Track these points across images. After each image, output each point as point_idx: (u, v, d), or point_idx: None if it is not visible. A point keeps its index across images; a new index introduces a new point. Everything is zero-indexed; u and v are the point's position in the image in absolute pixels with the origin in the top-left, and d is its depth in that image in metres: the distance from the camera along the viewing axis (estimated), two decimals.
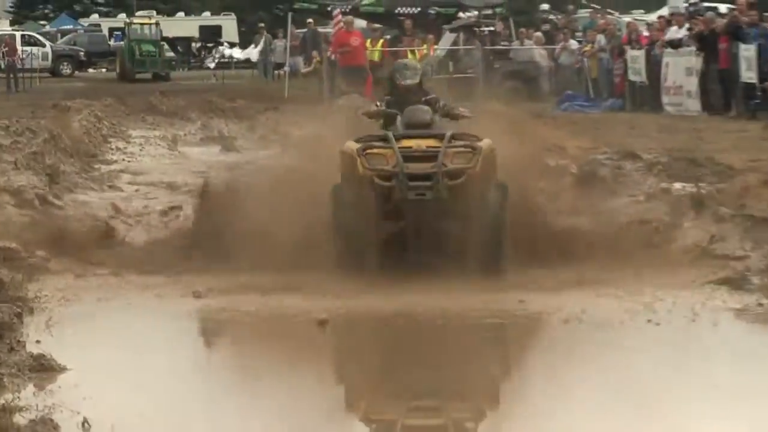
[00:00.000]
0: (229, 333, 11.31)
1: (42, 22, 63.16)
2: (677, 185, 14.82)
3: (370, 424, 8.27)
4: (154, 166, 22.94)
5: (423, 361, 9.76)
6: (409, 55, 34.93)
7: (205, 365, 9.91)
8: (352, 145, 12.00)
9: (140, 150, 25.74)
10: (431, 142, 11.90)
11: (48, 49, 51.71)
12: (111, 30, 56.61)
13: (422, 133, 12.13)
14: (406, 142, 11.88)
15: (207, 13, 64.09)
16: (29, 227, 14.35)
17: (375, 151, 11.87)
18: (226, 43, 57.78)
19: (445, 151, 11.69)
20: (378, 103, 12.98)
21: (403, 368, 9.54)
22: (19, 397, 7.69)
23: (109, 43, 55.09)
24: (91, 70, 53.17)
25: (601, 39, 33.60)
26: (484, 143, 11.92)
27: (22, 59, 44.58)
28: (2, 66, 44.47)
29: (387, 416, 8.30)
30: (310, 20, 40.32)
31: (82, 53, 52.58)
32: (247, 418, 8.14)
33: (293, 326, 10.96)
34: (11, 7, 72.06)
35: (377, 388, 9.19)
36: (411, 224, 11.93)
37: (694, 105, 27.49)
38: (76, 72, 50.90)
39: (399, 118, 12.32)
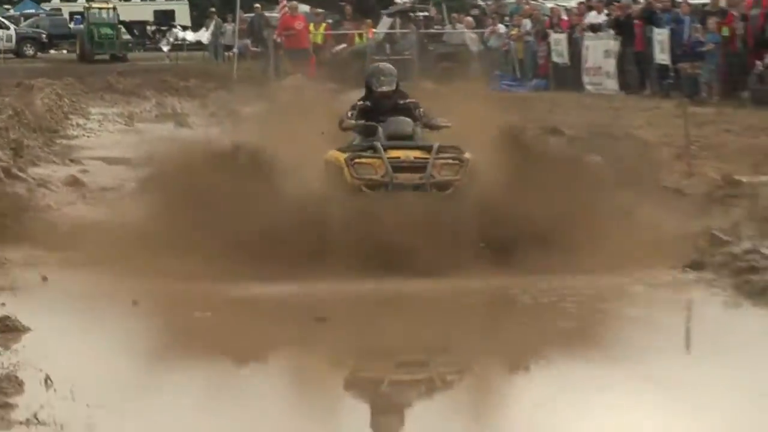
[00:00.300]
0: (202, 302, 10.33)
1: (6, 6, 62.51)
2: (596, 159, 14.75)
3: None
4: (112, 141, 22.90)
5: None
6: (356, 39, 35.03)
7: (164, 327, 9.66)
8: (338, 155, 11.38)
9: (99, 126, 25.90)
10: (418, 153, 11.24)
11: (12, 31, 51.41)
12: (71, 14, 56.13)
13: (409, 144, 11.44)
14: (393, 153, 11.18)
15: None
16: None
17: (363, 160, 11.18)
18: (178, 27, 57.47)
19: (434, 162, 11.07)
20: (350, 113, 11.77)
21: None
22: None
23: (69, 26, 54.66)
24: (52, 52, 52.76)
25: (526, 23, 33.67)
26: (469, 155, 11.28)
27: None
28: None
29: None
30: (257, 5, 39.98)
31: (44, 36, 52.46)
32: (210, 382, 8.00)
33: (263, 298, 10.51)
34: None
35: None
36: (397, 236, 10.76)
37: (612, 84, 27.63)
38: (39, 53, 50.64)
39: (380, 129, 11.46)
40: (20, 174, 15.95)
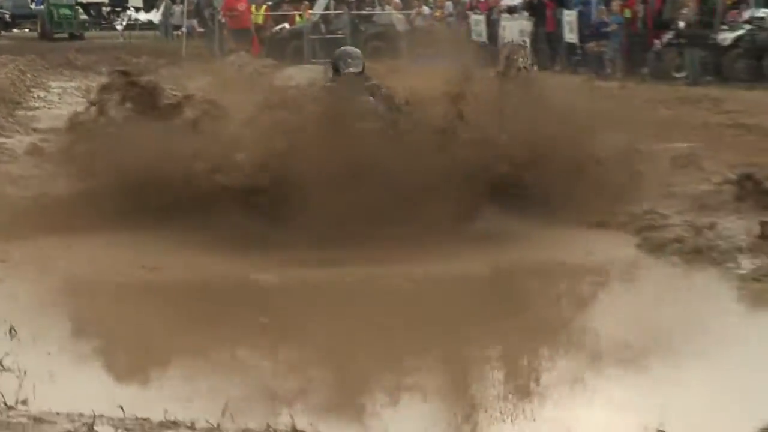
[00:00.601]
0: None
1: None
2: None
3: None
4: (71, 112, 22.86)
5: None
6: (297, 19, 35.06)
7: (134, 276, 8.83)
8: None
9: (59, 99, 25.73)
10: None
11: None
12: None
13: None
14: None
15: None
16: None
17: None
18: (132, 8, 57.43)
19: None
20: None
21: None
22: None
23: (30, 7, 54.06)
24: (15, 31, 52.32)
25: (449, 5, 33.78)
26: None
27: None
28: None
29: None
30: None
31: (7, 15, 52.13)
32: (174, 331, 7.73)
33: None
34: None
35: None
36: None
37: (525, 61, 27.72)
38: (2, 32, 50.39)
39: None
40: None
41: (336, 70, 11.27)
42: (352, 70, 10.99)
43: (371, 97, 10.76)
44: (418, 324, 7.73)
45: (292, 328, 7.62)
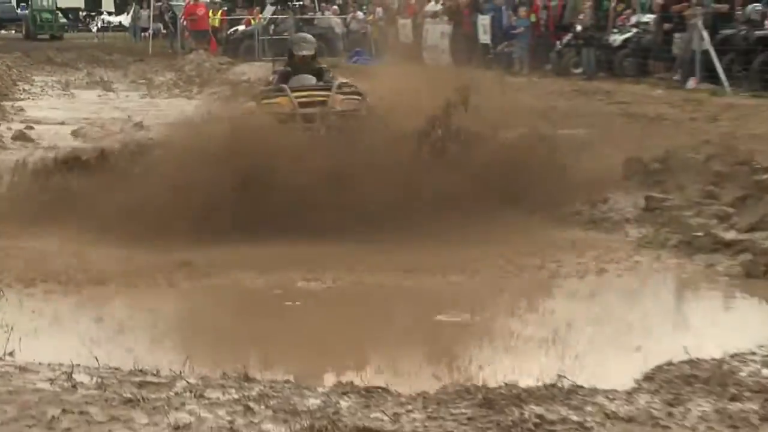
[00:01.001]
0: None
1: None
2: None
3: None
4: (52, 103, 22.79)
5: None
6: (252, 22, 35.00)
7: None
8: (249, 104, 10.57)
9: (41, 91, 25.65)
10: (323, 92, 10.05)
11: None
12: (18, 1, 55.36)
13: (313, 86, 10.32)
14: (298, 93, 9.93)
15: None
16: None
17: (272, 101, 10.03)
18: (105, 12, 57.34)
19: (335, 96, 9.90)
20: (272, 77, 11.16)
21: None
22: None
23: (17, 11, 53.88)
24: (2, 32, 51.96)
25: (380, 11, 33.71)
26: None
27: None
28: None
29: None
30: None
31: None
32: None
33: None
34: None
35: None
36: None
37: (446, 59, 27.66)
38: None
39: (287, 87, 10.22)
40: None
41: (291, 54, 10.96)
42: (304, 53, 10.78)
43: (315, 77, 10.52)
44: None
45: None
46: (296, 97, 9.85)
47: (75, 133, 16.11)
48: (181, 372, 4.97)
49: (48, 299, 7.27)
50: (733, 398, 4.57)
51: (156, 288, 7.57)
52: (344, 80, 10.82)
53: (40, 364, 5.02)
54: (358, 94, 10.26)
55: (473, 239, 8.45)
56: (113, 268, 7.84)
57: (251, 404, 4.48)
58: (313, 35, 32.89)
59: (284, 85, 10.20)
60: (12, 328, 6.09)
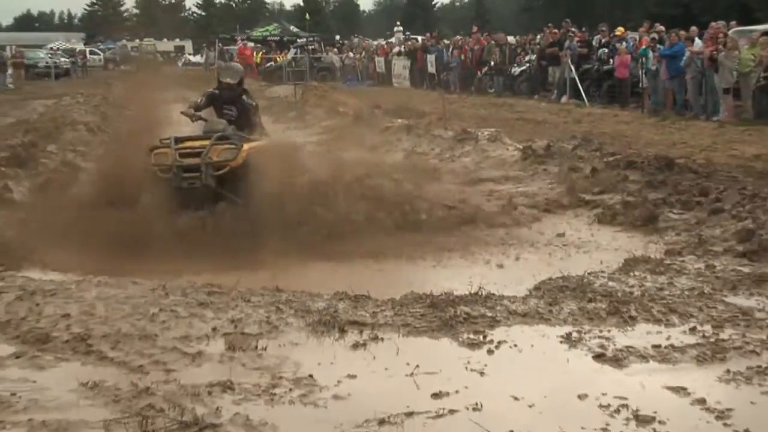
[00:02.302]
0: None
1: (98, 43, 59.30)
2: (399, 120, 14.87)
3: None
4: None
5: None
6: (279, 59, 34.82)
7: None
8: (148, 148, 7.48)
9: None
10: (206, 142, 7.31)
11: (101, 56, 49.61)
12: (132, 47, 53.23)
13: (202, 135, 7.60)
14: (188, 143, 7.36)
15: (177, 39, 62.04)
16: None
17: (160, 150, 7.27)
18: (187, 53, 56.97)
19: (211, 147, 7.19)
20: (200, 99, 8.09)
21: None
22: None
23: (131, 53, 53.00)
24: (123, 67, 51.42)
25: (363, 51, 33.53)
26: (251, 144, 7.47)
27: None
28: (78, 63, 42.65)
29: None
30: (220, 44, 39.32)
31: (117, 58, 49.98)
32: None
33: None
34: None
35: None
36: (195, 207, 7.07)
37: (406, 84, 27.68)
38: (115, 68, 48.46)
39: (204, 124, 7.89)
40: None
41: (218, 80, 8.26)
42: (228, 80, 8.09)
43: (222, 120, 7.89)
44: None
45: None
46: (179, 148, 7.25)
47: None
48: (235, 286, 4.90)
49: None
50: (590, 300, 4.60)
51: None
52: (231, 132, 7.68)
53: (143, 281, 5.00)
54: (237, 144, 7.37)
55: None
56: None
57: (281, 306, 4.48)
58: (320, 68, 33.22)
59: (172, 137, 7.46)
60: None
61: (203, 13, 65.97)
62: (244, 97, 8.15)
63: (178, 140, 7.42)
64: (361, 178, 7.49)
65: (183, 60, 52.93)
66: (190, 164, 7.17)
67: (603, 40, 19.45)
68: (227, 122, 7.86)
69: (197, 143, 7.39)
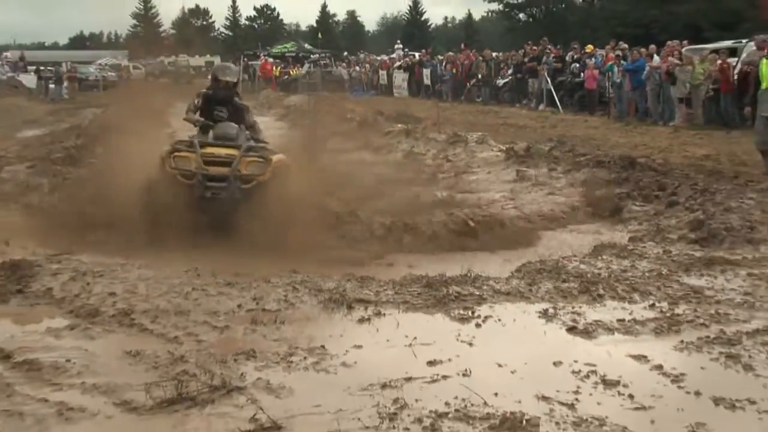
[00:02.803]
0: None
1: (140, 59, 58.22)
2: (399, 125, 14.80)
3: None
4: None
5: None
6: (292, 73, 34.62)
7: None
8: (165, 149, 6.31)
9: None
10: (231, 151, 6.18)
11: (143, 70, 42.67)
12: (168, 63, 49.48)
13: (225, 143, 6.28)
14: (209, 149, 6.16)
15: (207, 55, 61.67)
16: None
17: (182, 154, 6.11)
18: None
19: (241, 158, 6.11)
20: (196, 100, 6.63)
21: None
22: None
23: (168, 68, 51.24)
24: (161, 80, 49.97)
25: (368, 66, 33.23)
26: (277, 157, 6.28)
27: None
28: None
29: None
30: (245, 59, 38.97)
31: (157, 72, 49.37)
32: None
33: None
34: None
35: None
36: (210, 217, 5.95)
37: (405, 94, 27.44)
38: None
39: (212, 131, 6.41)
40: None
41: (215, 79, 6.76)
42: (228, 78, 6.74)
43: (233, 124, 6.48)
44: None
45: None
46: (204, 155, 6.10)
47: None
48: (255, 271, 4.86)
49: None
50: (564, 281, 4.58)
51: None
52: (255, 143, 6.53)
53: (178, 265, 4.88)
54: (266, 158, 6.25)
55: None
56: None
57: (297, 286, 4.46)
58: (331, 81, 33.02)
59: (196, 140, 6.25)
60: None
61: (230, 33, 65.65)
62: (236, 98, 6.75)
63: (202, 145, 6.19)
64: (372, 194, 6.79)
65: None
66: (216, 174, 6.02)
67: (575, 56, 19.34)
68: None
69: (222, 151, 6.16)
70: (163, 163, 6.10)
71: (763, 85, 8.59)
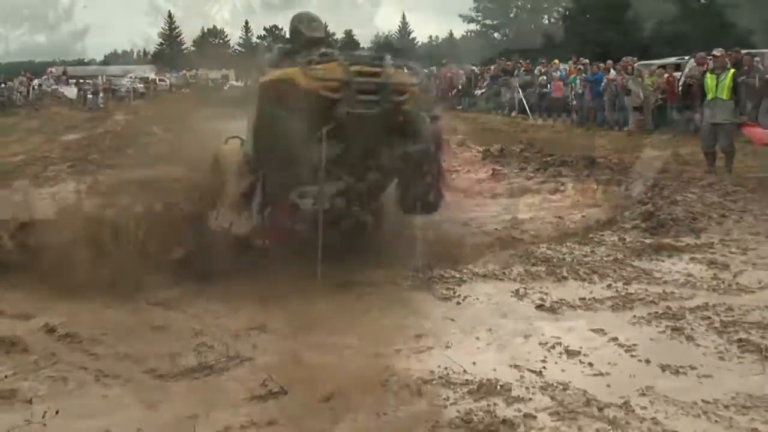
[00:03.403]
0: None
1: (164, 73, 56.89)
2: None
3: None
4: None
5: None
6: None
7: None
8: (289, 71, 3.83)
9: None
10: (374, 67, 3.93)
11: (167, 81, 37.25)
12: (189, 76, 41.76)
13: (362, 58, 4.08)
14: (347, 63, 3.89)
15: (223, 69, 60.15)
16: None
17: (319, 66, 3.79)
18: (231, 80, 54.49)
19: (388, 70, 3.91)
20: (267, 54, 4.50)
21: None
22: None
23: (190, 81, 48.35)
24: (183, 90, 48.01)
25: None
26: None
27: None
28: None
29: None
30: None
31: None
32: None
33: None
34: None
35: None
36: (351, 146, 3.88)
37: None
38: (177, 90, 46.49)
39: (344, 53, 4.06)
40: None
41: (298, 33, 4.51)
42: (316, 34, 4.49)
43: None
44: None
45: None
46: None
47: None
48: None
49: None
50: (533, 264, 4.57)
51: None
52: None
53: None
54: (411, 67, 4.20)
55: None
56: None
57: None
58: None
59: (333, 50, 4.07)
60: None
61: (243, 50, 65.49)
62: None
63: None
64: None
65: (228, 85, 51.61)
66: (368, 81, 3.87)
67: (543, 70, 19.39)
68: None
69: (365, 67, 3.95)
70: (289, 84, 3.76)
71: (709, 96, 8.59)
